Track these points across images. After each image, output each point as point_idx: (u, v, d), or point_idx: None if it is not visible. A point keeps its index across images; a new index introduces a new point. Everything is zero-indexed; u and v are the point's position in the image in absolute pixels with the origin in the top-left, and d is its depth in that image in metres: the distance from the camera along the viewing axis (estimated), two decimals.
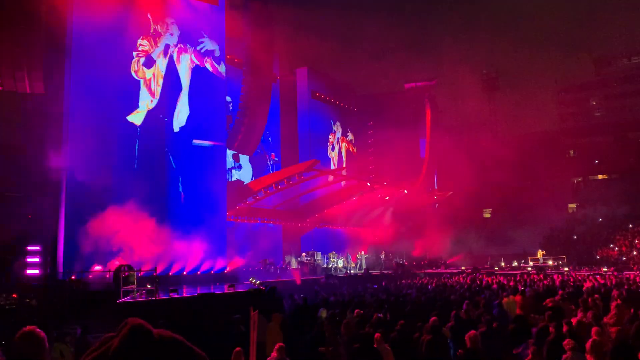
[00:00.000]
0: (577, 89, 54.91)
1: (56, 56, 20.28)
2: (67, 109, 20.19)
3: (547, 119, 53.13)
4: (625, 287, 16.95)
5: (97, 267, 18.88)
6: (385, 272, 32.59)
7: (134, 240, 20.10)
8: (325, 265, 31.34)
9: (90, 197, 19.96)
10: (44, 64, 19.91)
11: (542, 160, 48.10)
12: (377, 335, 7.92)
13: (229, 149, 27.74)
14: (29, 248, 18.19)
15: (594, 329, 7.79)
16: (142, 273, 17.52)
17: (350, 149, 41.65)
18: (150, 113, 23.21)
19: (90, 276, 18.06)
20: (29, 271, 17.90)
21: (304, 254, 32.15)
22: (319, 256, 31.80)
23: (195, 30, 25.07)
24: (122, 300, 13.51)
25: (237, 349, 6.68)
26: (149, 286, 14.93)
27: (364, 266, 34.07)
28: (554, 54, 51.82)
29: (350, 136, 41.84)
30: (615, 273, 26.23)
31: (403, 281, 26.16)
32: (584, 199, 48.33)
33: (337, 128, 40.34)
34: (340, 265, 32.79)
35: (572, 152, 53.66)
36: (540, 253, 36.79)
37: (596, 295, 13.14)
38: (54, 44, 20.37)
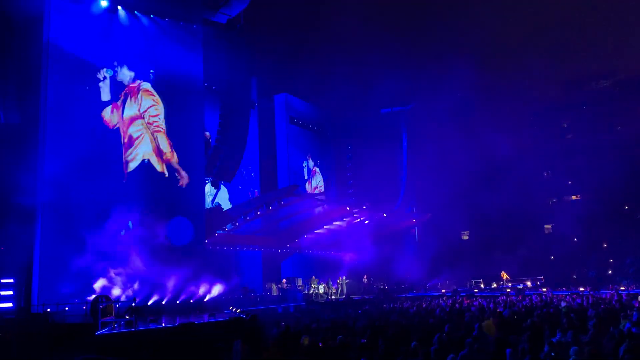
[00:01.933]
0: (549, 111, 56.27)
1: (31, 86, 20.17)
2: (43, 139, 20.01)
3: (522, 140, 54.09)
4: (602, 306, 17.23)
5: (74, 299, 18.50)
6: (367, 296, 32.53)
7: (112, 270, 19.81)
8: (306, 292, 31.18)
9: (66, 227, 19.67)
10: (19, 93, 19.81)
11: (518, 181, 48.90)
12: None
13: (208, 176, 27.65)
14: (2, 280, 17.75)
15: (572, 349, 7.93)
16: (120, 304, 17.22)
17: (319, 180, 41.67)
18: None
19: (66, 308, 17.67)
20: (1, 304, 17.44)
21: (284, 280, 31.95)
22: (299, 282, 31.63)
23: (172, 59, 25.12)
24: (101, 332, 13.23)
25: None
26: (127, 317, 14.66)
27: (345, 291, 33.96)
28: (527, 76, 53.03)
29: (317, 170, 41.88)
30: (592, 292, 26.64)
31: (384, 305, 26.15)
32: (560, 220, 49.18)
33: (310, 160, 40.40)
34: (322, 291, 32.64)
35: (546, 173, 54.75)
36: (504, 275, 37.32)
37: (572, 315, 13.36)
38: (29, 73, 20.28)
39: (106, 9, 22.71)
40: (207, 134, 28.76)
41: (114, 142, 22.49)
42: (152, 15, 24.41)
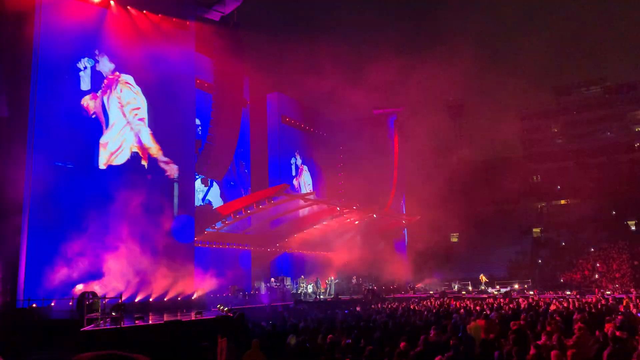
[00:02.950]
0: (539, 116, 56.76)
1: (21, 79, 19.99)
2: (32, 133, 19.83)
3: (512, 144, 54.63)
4: (587, 309, 17.36)
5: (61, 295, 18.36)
6: (355, 297, 32.57)
7: (98, 266, 19.69)
8: (294, 291, 31.16)
9: (53, 221, 19.53)
10: (8, 87, 19.65)
11: (507, 185, 49.27)
12: None
13: (198, 174, 27.56)
14: None
15: (553, 353, 7.97)
16: (106, 300, 17.10)
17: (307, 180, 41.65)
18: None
19: (52, 303, 17.53)
20: None
21: (273, 279, 31.91)
22: (288, 281, 31.60)
23: (164, 55, 25.00)
24: (86, 328, 13.13)
25: None
26: (113, 314, 14.56)
27: (333, 291, 33.98)
28: (517, 82, 53.49)
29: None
30: (578, 296, 26.85)
31: (372, 306, 26.18)
32: (548, 224, 49.59)
33: (298, 157, 40.37)
34: (310, 290, 32.64)
35: (535, 177, 55.17)
36: (482, 278, 37.53)
37: (557, 318, 13.44)
38: (18, 67, 20.09)
39: (99, 3, 22.57)
40: (198, 121, 28.68)
41: (99, 136, 22.34)
42: (144, 11, 24.26)
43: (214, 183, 31.59)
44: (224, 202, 31.87)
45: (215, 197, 32.25)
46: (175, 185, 24.74)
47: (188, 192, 25.51)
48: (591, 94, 55.67)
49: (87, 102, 22.11)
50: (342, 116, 41.59)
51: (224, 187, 32.93)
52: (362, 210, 36.33)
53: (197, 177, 27.50)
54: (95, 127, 22.19)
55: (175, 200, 24.61)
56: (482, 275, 37.83)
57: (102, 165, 22.15)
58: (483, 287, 36.26)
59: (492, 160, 55.20)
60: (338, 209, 34.56)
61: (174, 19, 25.47)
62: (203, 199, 30.88)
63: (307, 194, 35.05)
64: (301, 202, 32.49)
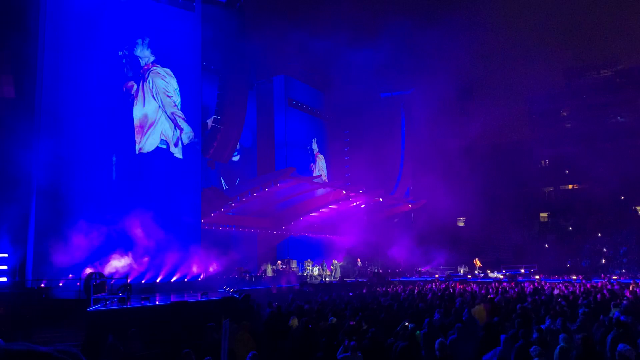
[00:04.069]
0: (549, 100, 56.15)
1: (28, 60, 19.98)
2: (39, 115, 19.89)
3: (520, 128, 54.19)
4: (593, 294, 17.33)
5: (69, 275, 18.55)
6: (361, 279, 32.70)
7: (106, 247, 19.84)
8: (300, 273, 31.31)
9: (61, 203, 19.66)
10: (15, 68, 19.64)
11: (515, 169, 48.97)
12: (352, 343, 7.98)
13: (204, 156, 27.58)
14: None
15: (561, 336, 7.97)
16: (113, 281, 17.27)
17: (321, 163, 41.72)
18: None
19: (60, 284, 17.72)
20: None
21: (279, 261, 32.07)
22: (294, 264, 31.75)
23: (171, 38, 24.90)
24: (93, 308, 13.28)
25: (207, 357, 6.65)
26: (120, 294, 14.71)
27: (339, 274, 34.12)
28: (526, 65, 52.82)
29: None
30: (584, 281, 26.78)
31: (378, 289, 26.28)
32: (555, 208, 49.36)
33: (314, 143, 40.53)
34: (316, 273, 32.79)
35: (543, 162, 54.76)
36: (477, 262, 37.53)
37: (563, 302, 13.43)
38: (25, 49, 20.06)
39: None
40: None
41: (111, 119, 22.36)
42: None
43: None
44: (230, 186, 31.95)
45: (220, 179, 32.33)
46: (183, 168, 24.81)
47: (195, 174, 25.57)
48: (602, 77, 54.94)
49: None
50: (350, 99, 41.30)
51: (230, 169, 32.99)
52: (368, 194, 36.30)
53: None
54: (100, 108, 22.20)
55: (183, 182, 24.68)
56: (476, 259, 37.98)
57: (113, 149, 22.24)
58: (477, 272, 36.33)
59: (501, 144, 54.81)
60: (344, 192, 34.54)
61: (180, 1, 25.30)
62: (209, 182, 30.96)
63: (314, 177, 35.06)
64: (307, 185, 32.49)
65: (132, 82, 23.37)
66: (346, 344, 8.15)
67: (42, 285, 17.31)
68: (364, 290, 23.97)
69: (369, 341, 8.55)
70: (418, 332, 9.50)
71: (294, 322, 10.84)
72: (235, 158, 34.01)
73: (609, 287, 20.80)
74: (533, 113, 56.90)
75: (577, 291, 19.17)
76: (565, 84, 56.80)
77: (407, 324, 9.92)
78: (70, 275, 18.38)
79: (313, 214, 35.55)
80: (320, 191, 34.16)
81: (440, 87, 40.27)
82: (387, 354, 8.47)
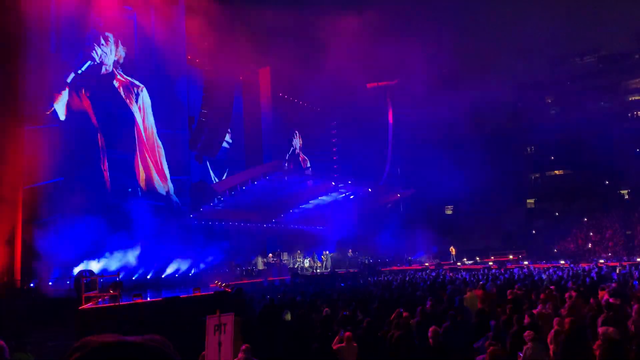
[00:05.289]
0: (533, 87, 56.46)
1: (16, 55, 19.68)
2: (27, 110, 19.64)
3: (505, 116, 54.31)
4: (581, 278, 17.59)
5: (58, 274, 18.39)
6: (352, 270, 32.84)
7: (95, 245, 19.67)
8: (291, 265, 31.36)
9: (49, 201, 19.44)
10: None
11: (501, 156, 49.29)
12: (347, 333, 8.01)
13: (192, 151, 27.41)
14: None
15: (555, 319, 8.08)
16: (104, 278, 17.16)
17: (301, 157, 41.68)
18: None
19: (50, 283, 17.57)
20: None
21: (270, 254, 32.07)
22: (285, 256, 31.77)
23: (154, 32, 24.62)
24: (84, 307, 13.19)
25: (203, 352, 6.67)
26: (111, 292, 14.61)
27: (329, 265, 34.23)
28: (511, 52, 52.92)
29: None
30: (572, 265, 27.16)
31: (369, 279, 26.44)
32: (542, 194, 49.86)
33: (297, 136, 40.36)
34: (307, 265, 32.86)
35: (529, 148, 55.18)
36: (452, 250, 38.15)
37: (552, 287, 13.61)
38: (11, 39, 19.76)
39: None
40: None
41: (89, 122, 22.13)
42: None
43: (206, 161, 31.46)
44: (219, 179, 31.81)
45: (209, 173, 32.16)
46: (171, 164, 24.65)
47: (183, 169, 25.43)
48: (585, 63, 55.35)
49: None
50: (336, 91, 41.24)
51: (217, 163, 32.82)
52: (357, 184, 36.37)
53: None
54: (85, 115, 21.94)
55: (171, 178, 24.53)
56: (452, 247, 38.53)
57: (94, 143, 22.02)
58: (452, 261, 36.95)
59: (486, 132, 55.05)
60: (333, 183, 34.57)
61: None
62: (197, 176, 30.78)
63: (303, 169, 35.05)
64: (296, 177, 32.48)
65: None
66: (341, 335, 8.19)
67: (32, 284, 17.16)
68: (349, 282, 24.10)
69: (364, 331, 8.60)
70: (412, 320, 9.58)
71: (287, 315, 10.86)
72: (224, 145, 33.78)
73: (596, 270, 21.12)
74: (518, 100, 57.22)
75: (566, 275, 19.44)
76: (549, 70, 57.15)
77: (401, 311, 9.99)
78: (62, 276, 18.22)
79: (303, 205, 35.55)
80: (310, 183, 34.17)
81: (425, 76, 40.35)
82: (381, 343, 8.53)
